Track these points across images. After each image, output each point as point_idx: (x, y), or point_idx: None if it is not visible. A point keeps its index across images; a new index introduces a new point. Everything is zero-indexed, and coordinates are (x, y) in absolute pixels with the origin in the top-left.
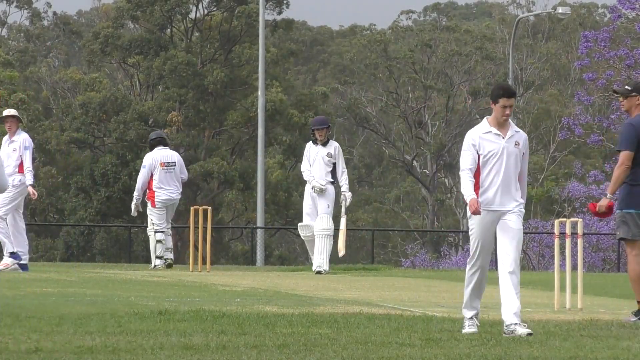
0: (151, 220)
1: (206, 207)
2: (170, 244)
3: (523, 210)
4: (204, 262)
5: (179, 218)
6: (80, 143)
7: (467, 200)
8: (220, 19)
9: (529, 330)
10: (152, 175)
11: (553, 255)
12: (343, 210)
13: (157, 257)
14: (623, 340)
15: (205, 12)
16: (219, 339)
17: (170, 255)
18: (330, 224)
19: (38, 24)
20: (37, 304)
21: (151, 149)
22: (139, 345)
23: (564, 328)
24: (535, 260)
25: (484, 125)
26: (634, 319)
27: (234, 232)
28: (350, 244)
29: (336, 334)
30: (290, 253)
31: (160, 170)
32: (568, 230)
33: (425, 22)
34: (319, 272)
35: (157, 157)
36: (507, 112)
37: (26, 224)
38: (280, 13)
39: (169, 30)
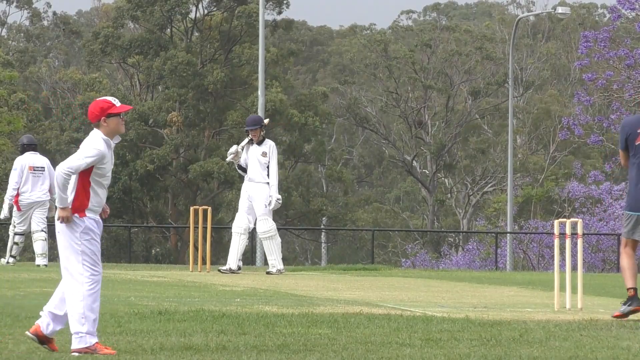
0: (14, 221)
1: (206, 207)
2: (45, 248)
3: None
4: (204, 262)
5: (178, 218)
6: (80, 143)
7: None
8: (220, 19)
9: None
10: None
11: (553, 256)
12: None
13: (11, 256)
14: (623, 340)
15: (205, 12)
16: (219, 339)
17: (44, 261)
18: (271, 224)
19: (38, 24)
20: (37, 304)
21: (22, 152)
22: (139, 345)
23: (564, 328)
24: (535, 260)
25: None
26: (623, 307)
27: None
28: (350, 244)
29: (336, 334)
30: (290, 253)
31: (28, 174)
32: (568, 231)
33: (425, 22)
34: (269, 272)
35: (25, 162)
36: None
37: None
38: (280, 13)
39: (169, 30)
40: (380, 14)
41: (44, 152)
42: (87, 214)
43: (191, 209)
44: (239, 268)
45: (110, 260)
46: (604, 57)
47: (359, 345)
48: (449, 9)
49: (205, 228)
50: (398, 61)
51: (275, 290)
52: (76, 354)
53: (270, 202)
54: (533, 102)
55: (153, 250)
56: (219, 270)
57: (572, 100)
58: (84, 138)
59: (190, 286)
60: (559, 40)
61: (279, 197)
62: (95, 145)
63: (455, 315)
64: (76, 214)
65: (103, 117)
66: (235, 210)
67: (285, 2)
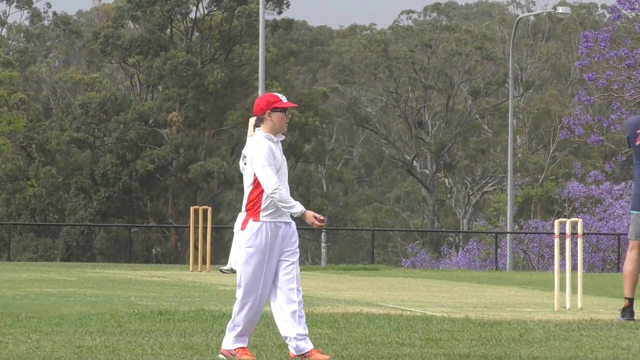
0: None
1: (206, 207)
2: None
3: None
4: (204, 262)
5: (179, 218)
6: (80, 143)
7: None
8: (220, 19)
9: None
10: None
11: (553, 256)
12: None
13: None
14: (623, 340)
15: (205, 12)
16: (219, 339)
17: None
18: None
19: (38, 24)
20: (37, 304)
21: None
22: (139, 345)
23: (564, 328)
24: (535, 260)
25: None
26: (618, 317)
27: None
28: (350, 244)
29: (336, 334)
30: None
31: None
32: (568, 231)
33: (425, 22)
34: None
35: None
36: None
37: (26, 224)
38: (280, 13)
39: (169, 30)
40: (380, 14)
41: (45, 153)
42: (262, 216)
43: (191, 208)
44: None
45: (110, 260)
46: (604, 57)
47: (359, 345)
48: (449, 9)
49: (205, 228)
50: (398, 61)
51: None
52: (221, 356)
53: None
54: (533, 102)
55: (153, 250)
56: (221, 270)
57: (572, 100)
58: (84, 138)
59: (190, 286)
60: (559, 40)
61: None
62: (260, 150)
63: (455, 315)
64: (250, 217)
65: (268, 111)
66: (236, 210)
67: (285, 2)
